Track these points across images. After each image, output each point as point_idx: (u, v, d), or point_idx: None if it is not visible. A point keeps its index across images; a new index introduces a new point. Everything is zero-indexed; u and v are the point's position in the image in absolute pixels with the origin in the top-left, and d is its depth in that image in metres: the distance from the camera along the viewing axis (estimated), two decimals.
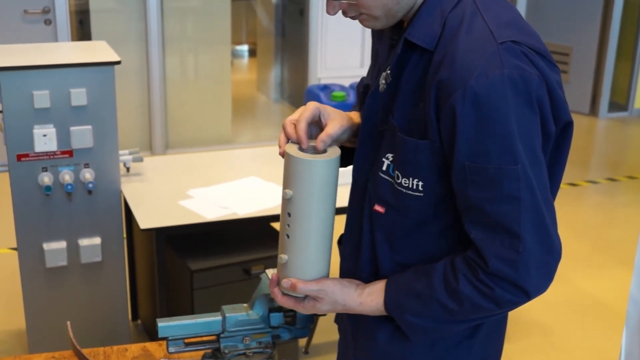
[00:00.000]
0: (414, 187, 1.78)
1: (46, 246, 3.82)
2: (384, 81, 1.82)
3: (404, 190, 1.79)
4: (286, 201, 1.86)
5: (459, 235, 1.80)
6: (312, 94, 6.72)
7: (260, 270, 3.79)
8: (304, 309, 1.92)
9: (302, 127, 1.86)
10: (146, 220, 3.72)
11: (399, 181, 1.80)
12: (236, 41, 12.32)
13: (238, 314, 2.13)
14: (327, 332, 3.87)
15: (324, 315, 1.99)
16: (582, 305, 5.21)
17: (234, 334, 2.13)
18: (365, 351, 2.02)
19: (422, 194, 1.78)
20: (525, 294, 1.71)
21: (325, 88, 6.76)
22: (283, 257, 1.90)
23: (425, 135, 1.72)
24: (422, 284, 1.80)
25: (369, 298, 1.88)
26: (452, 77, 1.64)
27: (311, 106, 1.90)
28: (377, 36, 1.97)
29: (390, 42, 1.87)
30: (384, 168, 1.84)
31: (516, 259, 1.68)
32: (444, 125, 1.67)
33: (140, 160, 4.26)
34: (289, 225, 1.87)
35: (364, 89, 2.00)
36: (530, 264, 1.68)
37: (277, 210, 3.85)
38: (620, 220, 6.70)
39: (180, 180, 4.24)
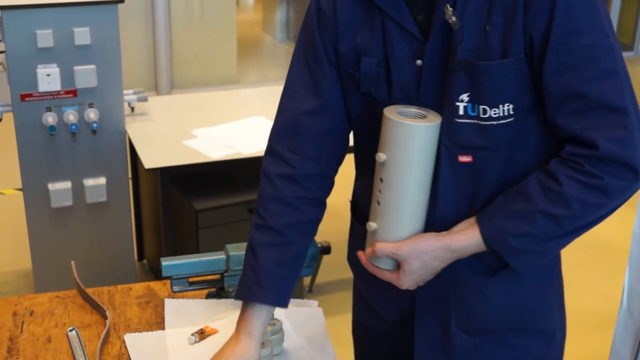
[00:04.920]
0: (506, 113, 1.70)
1: (51, 186, 3.83)
2: (454, 18, 1.68)
3: (495, 123, 1.71)
4: (379, 165, 1.77)
5: (551, 154, 1.73)
6: None
7: None
8: (398, 278, 1.82)
9: None
10: (151, 160, 3.72)
11: (485, 116, 1.71)
12: None
13: (242, 252, 2.13)
14: (331, 271, 3.87)
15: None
16: (586, 244, 5.20)
17: (238, 272, 2.13)
18: (476, 313, 1.91)
19: (513, 118, 1.71)
20: (635, 175, 1.65)
21: None
22: (372, 225, 1.80)
23: (505, 55, 1.67)
24: (519, 202, 1.72)
25: (460, 235, 1.77)
26: None
27: None
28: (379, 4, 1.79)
29: None
30: (461, 112, 1.73)
31: (626, 136, 1.62)
32: (535, 22, 1.63)
33: (145, 100, 4.24)
34: (380, 192, 1.78)
35: (378, 66, 1.82)
36: (637, 141, 1.63)
37: None
38: None
39: (184, 120, 4.23)
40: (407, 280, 1.81)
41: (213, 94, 4.97)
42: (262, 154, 3.74)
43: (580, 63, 1.62)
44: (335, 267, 4.16)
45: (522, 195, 1.71)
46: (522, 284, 1.88)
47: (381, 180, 1.76)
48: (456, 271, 1.85)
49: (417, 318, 1.97)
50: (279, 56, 9.66)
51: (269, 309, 1.87)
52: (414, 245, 1.77)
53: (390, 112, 1.74)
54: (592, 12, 1.62)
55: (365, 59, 1.83)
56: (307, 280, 3.92)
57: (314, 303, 2.20)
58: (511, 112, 1.70)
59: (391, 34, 1.78)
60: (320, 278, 2.18)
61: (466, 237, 1.76)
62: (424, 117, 1.74)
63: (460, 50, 1.70)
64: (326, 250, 2.23)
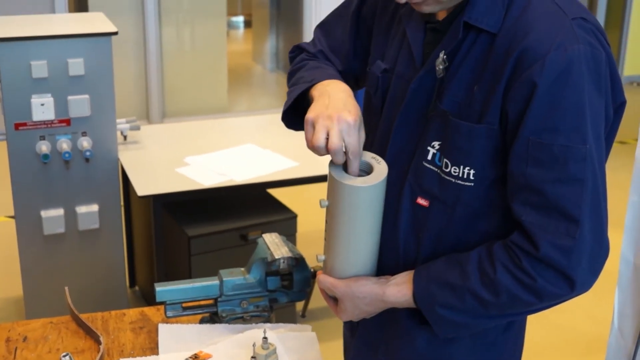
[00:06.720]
0: (465, 176, 1.68)
1: (44, 213, 3.84)
2: (441, 66, 1.68)
3: (453, 180, 1.70)
4: (324, 208, 1.77)
5: (508, 230, 1.70)
6: None
7: (257, 235, 3.80)
8: (336, 311, 1.87)
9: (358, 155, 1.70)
10: (143, 187, 3.74)
11: (447, 170, 1.70)
12: (232, 12, 12.26)
13: (235, 277, 2.14)
14: None
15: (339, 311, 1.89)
16: None
17: (231, 297, 2.15)
18: (400, 353, 1.91)
19: (472, 184, 1.69)
20: (571, 286, 1.62)
21: None
22: (320, 257, 1.84)
23: (480, 120, 1.64)
24: (455, 274, 1.70)
25: (395, 289, 1.78)
26: (529, 50, 1.57)
27: (353, 121, 1.67)
28: (406, 16, 1.82)
29: (429, 25, 1.77)
30: (429, 157, 1.74)
31: (571, 245, 1.58)
32: (512, 102, 1.59)
33: (137, 128, 4.27)
34: (325, 231, 1.80)
35: (383, 73, 1.86)
36: (583, 254, 1.59)
37: (274, 177, 3.87)
38: (611, 185, 6.65)
39: (177, 148, 4.26)
40: (343, 316, 1.87)
41: (204, 122, 5.00)
42: (254, 180, 3.82)
43: (548, 161, 1.58)
44: None
45: (460, 268, 1.70)
46: (450, 343, 1.85)
47: (326, 221, 1.78)
48: (395, 308, 1.84)
49: (357, 335, 2.03)
50: (269, 85, 9.70)
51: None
52: (348, 288, 1.81)
53: (333, 166, 1.71)
54: (577, 115, 1.56)
55: (379, 61, 1.88)
56: (300, 305, 3.93)
57: (307, 328, 2.21)
58: (471, 177, 1.68)
59: (403, 49, 1.82)
60: (314, 303, 2.18)
61: (399, 294, 1.78)
62: (370, 169, 1.72)
63: (445, 98, 1.70)
64: None
